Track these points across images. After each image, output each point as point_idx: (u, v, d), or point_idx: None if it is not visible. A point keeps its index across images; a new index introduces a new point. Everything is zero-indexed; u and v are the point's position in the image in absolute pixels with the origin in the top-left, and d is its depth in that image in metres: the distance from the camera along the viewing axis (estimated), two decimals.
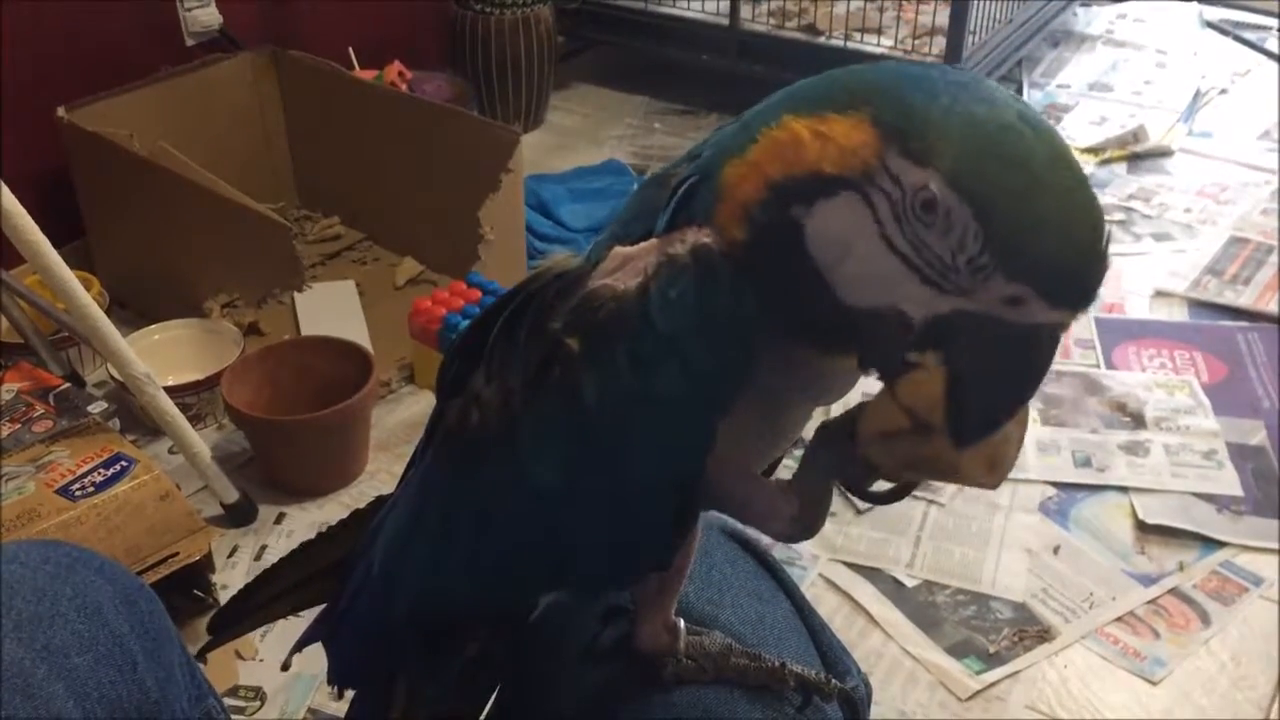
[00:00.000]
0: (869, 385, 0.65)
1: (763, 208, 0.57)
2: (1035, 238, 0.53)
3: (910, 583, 1.67)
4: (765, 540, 0.88)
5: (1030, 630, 1.60)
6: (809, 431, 0.69)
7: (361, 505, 0.81)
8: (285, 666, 0.84)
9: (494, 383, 0.63)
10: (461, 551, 0.68)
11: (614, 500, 0.63)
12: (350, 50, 2.58)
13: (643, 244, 0.61)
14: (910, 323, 0.56)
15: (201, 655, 0.83)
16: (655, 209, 0.63)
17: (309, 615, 0.81)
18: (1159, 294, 2.33)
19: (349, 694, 0.81)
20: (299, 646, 0.80)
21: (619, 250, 0.62)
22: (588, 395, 0.60)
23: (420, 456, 0.74)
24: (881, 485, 0.66)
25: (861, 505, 1.76)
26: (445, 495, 0.68)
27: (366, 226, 2.44)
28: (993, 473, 0.60)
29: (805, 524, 0.67)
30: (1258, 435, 1.94)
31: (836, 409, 0.70)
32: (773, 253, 0.58)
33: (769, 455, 0.71)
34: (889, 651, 1.58)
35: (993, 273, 0.53)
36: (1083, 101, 3.10)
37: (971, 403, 0.56)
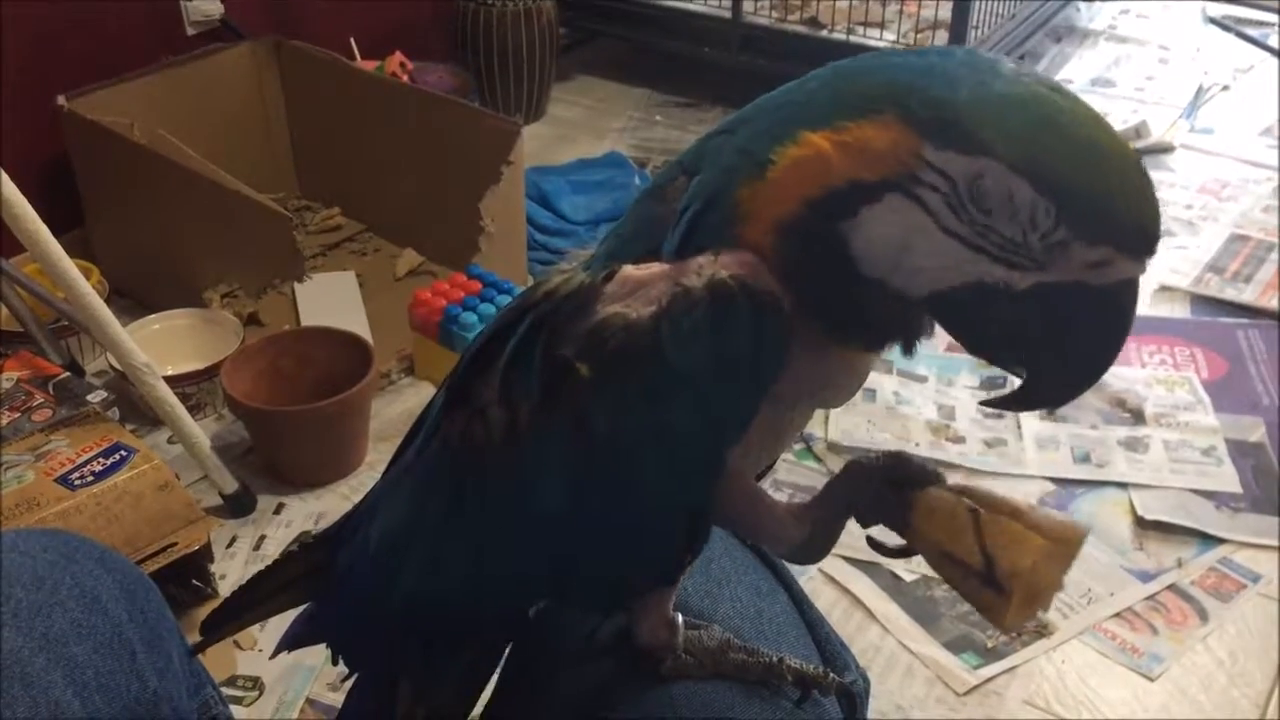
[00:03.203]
0: (867, 382, 0.65)
1: (800, 223, 0.57)
2: (1107, 200, 0.54)
3: (908, 577, 1.67)
4: None
5: (1028, 625, 1.60)
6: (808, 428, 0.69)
7: (360, 496, 0.81)
8: (273, 656, 0.84)
9: (502, 404, 0.62)
10: (458, 561, 0.68)
11: (619, 526, 0.63)
12: (352, 41, 2.58)
13: (653, 268, 0.60)
14: (995, 288, 0.56)
15: (195, 653, 0.83)
16: (655, 225, 0.62)
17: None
18: (1160, 290, 2.32)
19: (345, 685, 0.81)
20: (288, 646, 0.79)
21: (628, 272, 0.60)
22: (597, 425, 0.59)
23: (412, 439, 0.73)
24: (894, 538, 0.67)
25: None
26: (444, 504, 0.67)
27: (367, 217, 2.44)
28: (1028, 614, 0.61)
29: (811, 551, 0.67)
30: (1257, 432, 1.94)
31: (836, 412, 0.70)
32: (813, 264, 0.58)
33: (768, 458, 0.71)
34: (886, 646, 1.58)
35: (1071, 243, 0.54)
36: (1085, 97, 3.06)
37: (1068, 366, 0.58)
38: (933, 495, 0.63)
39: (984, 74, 0.55)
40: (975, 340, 0.60)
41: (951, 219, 0.55)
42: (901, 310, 0.59)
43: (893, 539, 0.66)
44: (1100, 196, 0.54)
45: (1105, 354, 0.59)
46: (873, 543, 0.67)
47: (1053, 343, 0.57)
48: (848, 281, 0.57)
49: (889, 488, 0.64)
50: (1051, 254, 0.55)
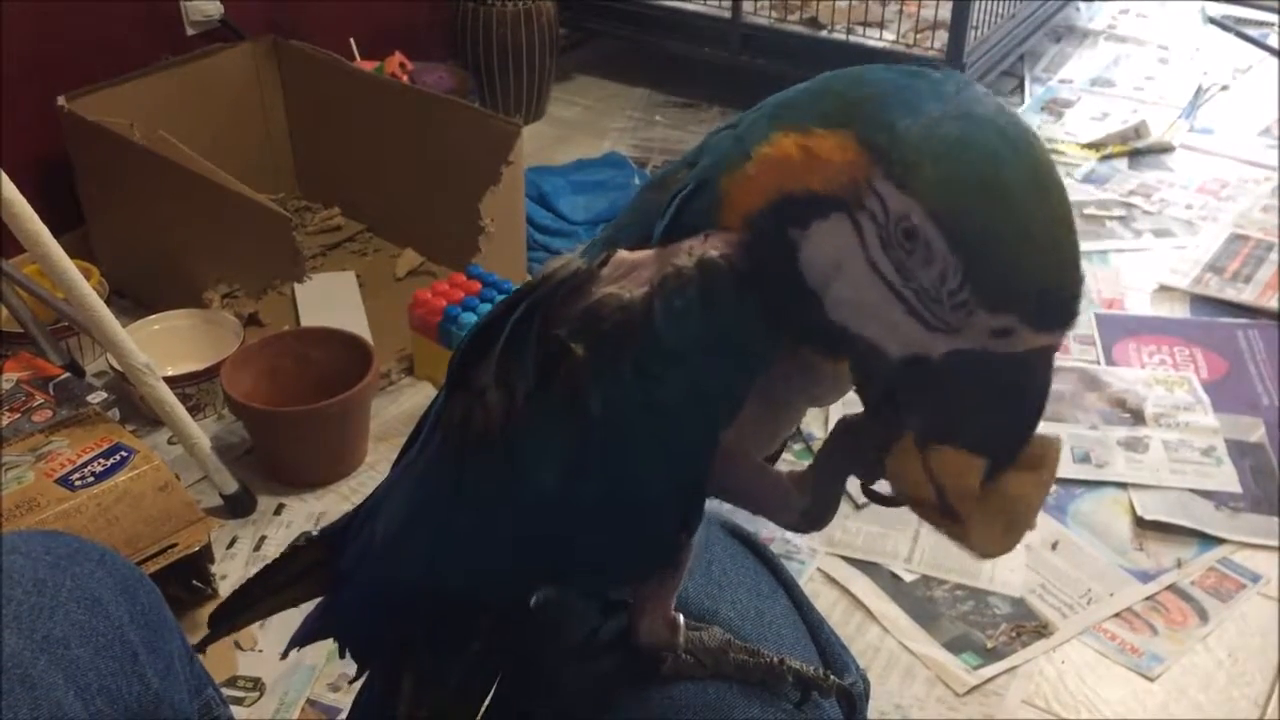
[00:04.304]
0: None
1: (762, 221, 0.58)
2: (1015, 270, 0.52)
3: (908, 577, 1.67)
4: (765, 535, 0.88)
5: (1028, 626, 1.60)
6: (805, 425, 0.69)
7: (361, 496, 0.81)
8: (285, 655, 0.84)
9: (500, 387, 0.63)
10: (460, 545, 0.68)
11: (617, 505, 0.63)
12: (351, 41, 2.58)
13: (645, 251, 0.61)
14: (884, 356, 0.57)
15: (200, 649, 0.83)
16: (653, 214, 0.63)
17: (307, 606, 0.81)
18: (1159, 290, 2.33)
19: (348, 686, 0.81)
20: (300, 643, 0.80)
21: (621, 255, 0.61)
22: (593, 404, 0.60)
23: (416, 438, 0.74)
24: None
25: (860, 499, 1.76)
26: (446, 490, 0.68)
27: (367, 217, 2.44)
28: (1007, 536, 0.60)
29: (815, 517, 0.67)
30: (1257, 432, 1.94)
31: (835, 410, 0.70)
32: (771, 267, 0.58)
33: (766, 450, 0.71)
34: (886, 646, 1.58)
35: (975, 308, 0.53)
36: (1084, 97, 3.10)
37: (983, 440, 0.56)
38: (903, 438, 0.62)
39: (948, 108, 0.53)
40: (865, 396, 0.60)
41: (880, 255, 0.55)
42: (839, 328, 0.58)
43: (886, 487, 0.66)
44: (1007, 263, 0.52)
45: (1012, 428, 0.57)
46: (870, 493, 0.67)
47: (965, 414, 0.56)
48: (796, 288, 0.58)
49: (877, 441, 0.64)
50: (960, 315, 0.53)
